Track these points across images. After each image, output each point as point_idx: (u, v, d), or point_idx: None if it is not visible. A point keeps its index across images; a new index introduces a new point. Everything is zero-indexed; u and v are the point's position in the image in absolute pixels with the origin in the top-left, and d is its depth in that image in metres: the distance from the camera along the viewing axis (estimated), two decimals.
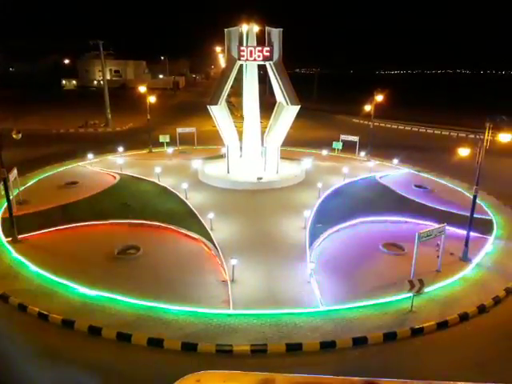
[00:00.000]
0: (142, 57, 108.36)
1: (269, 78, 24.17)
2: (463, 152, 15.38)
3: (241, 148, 24.18)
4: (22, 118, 43.88)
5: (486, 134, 14.56)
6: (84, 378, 9.64)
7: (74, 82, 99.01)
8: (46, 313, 11.77)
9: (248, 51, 21.68)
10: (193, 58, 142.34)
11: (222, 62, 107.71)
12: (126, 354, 10.59)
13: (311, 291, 12.94)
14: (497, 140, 15.18)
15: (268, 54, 21.70)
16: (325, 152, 30.15)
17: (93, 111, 48.94)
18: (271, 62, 22.12)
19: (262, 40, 22.81)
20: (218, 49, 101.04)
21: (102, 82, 79.74)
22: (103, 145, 33.05)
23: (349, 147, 30.72)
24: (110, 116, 43.83)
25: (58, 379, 9.62)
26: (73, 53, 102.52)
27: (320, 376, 2.43)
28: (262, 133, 24.58)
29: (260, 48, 21.79)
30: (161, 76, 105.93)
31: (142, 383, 9.56)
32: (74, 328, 11.35)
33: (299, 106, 22.73)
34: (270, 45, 22.02)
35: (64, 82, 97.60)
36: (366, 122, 44.09)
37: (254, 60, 22.00)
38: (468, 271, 14.54)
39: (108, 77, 45.27)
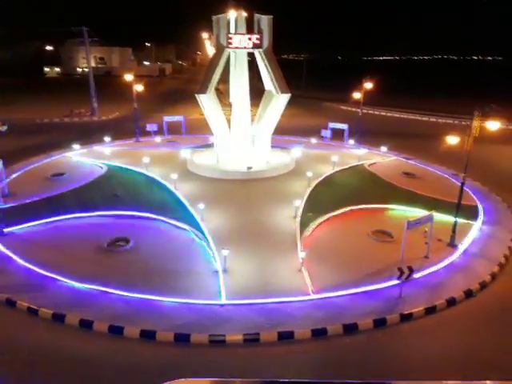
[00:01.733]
0: (127, 43, 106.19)
1: (256, 63, 23.88)
2: (452, 140, 15.51)
3: (230, 137, 23.99)
4: (3, 107, 42.81)
5: (474, 121, 14.61)
6: (77, 372, 9.62)
7: (57, 69, 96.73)
8: (35, 307, 11.66)
9: (237, 39, 21.34)
10: (179, 45, 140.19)
11: (208, 48, 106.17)
12: (118, 346, 10.58)
13: (302, 280, 13.05)
14: (484, 127, 15.28)
15: (258, 41, 21.41)
16: (314, 140, 30.12)
17: (78, 100, 47.99)
18: (261, 50, 21.85)
19: (251, 27, 22.49)
20: (205, 35, 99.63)
21: (86, 70, 78.04)
22: (89, 134, 32.54)
23: (337, 135, 30.75)
24: (95, 105, 43.03)
25: (50, 374, 9.58)
26: (55, 39, 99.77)
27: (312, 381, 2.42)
28: (252, 121, 24.40)
29: (249, 36, 21.47)
30: (147, 63, 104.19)
31: (136, 375, 9.57)
32: (65, 322, 11.27)
33: (289, 95, 22.58)
34: (260, 32, 21.72)
35: (46, 69, 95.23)
36: (354, 109, 44.13)
37: (244, 48, 21.70)
38: (455, 257, 14.81)
39: (93, 64, 44.18)
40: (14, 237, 15.71)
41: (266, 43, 21.96)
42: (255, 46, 21.62)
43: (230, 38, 21.37)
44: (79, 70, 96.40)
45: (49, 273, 13.15)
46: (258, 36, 21.50)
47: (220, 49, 22.19)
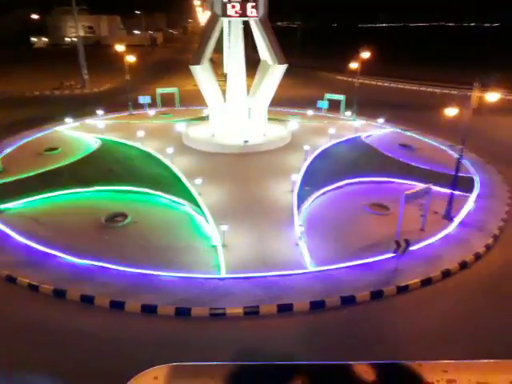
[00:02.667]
0: (115, 11, 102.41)
1: (250, 33, 23.18)
2: (451, 112, 15.35)
3: (225, 109, 23.59)
4: None
5: (474, 92, 14.43)
6: (81, 346, 9.81)
7: (45, 39, 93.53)
8: (36, 284, 11.74)
9: (232, 7, 20.59)
10: (170, 13, 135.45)
11: (200, 15, 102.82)
12: (120, 321, 10.75)
13: (300, 253, 13.20)
14: (483, 97, 15.09)
15: (253, 9, 20.68)
16: (310, 112, 29.74)
17: (67, 71, 46.67)
18: (256, 19, 21.16)
19: None
20: (197, 2, 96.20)
21: (74, 40, 75.48)
22: (81, 107, 31.81)
23: (334, 106, 30.35)
24: (86, 76, 41.91)
25: (53, 349, 9.76)
26: (41, 7, 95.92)
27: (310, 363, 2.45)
28: (248, 93, 23.93)
29: (245, 3, 20.71)
30: (137, 32, 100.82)
31: (139, 349, 9.77)
32: (66, 297, 11.39)
33: (286, 65, 22.07)
34: (255, 0, 20.94)
35: (34, 39, 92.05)
36: (350, 79, 43.34)
37: (239, 16, 20.98)
38: (450, 229, 15.00)
39: (81, 33, 42.69)
40: (10, 213, 15.62)
41: (261, 11, 21.23)
42: (251, 15, 20.90)
43: (225, 6, 20.61)
44: (67, 39, 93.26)
45: (48, 249, 13.17)
46: (253, 4, 20.75)
47: (214, 18, 21.43)
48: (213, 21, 21.54)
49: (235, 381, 2.28)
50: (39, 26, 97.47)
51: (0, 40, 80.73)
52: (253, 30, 22.39)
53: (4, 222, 14.83)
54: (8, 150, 22.12)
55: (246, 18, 21.58)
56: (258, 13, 20.89)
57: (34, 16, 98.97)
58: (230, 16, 20.95)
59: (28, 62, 62.91)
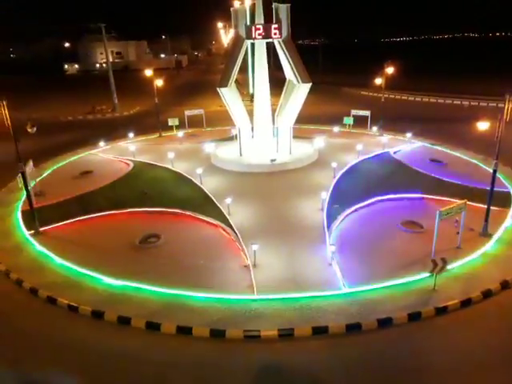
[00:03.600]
0: (142, 37, 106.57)
1: (273, 51, 23.63)
2: (482, 125, 15.05)
3: (252, 129, 23.93)
4: (27, 106, 43.80)
5: (506, 105, 14.11)
6: (119, 368, 9.96)
7: (77, 66, 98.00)
8: (75, 305, 12.07)
9: (256, 29, 21.11)
10: (194, 35, 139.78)
11: (223, 37, 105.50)
12: (156, 342, 10.86)
13: (333, 273, 13.05)
14: None
15: (276, 31, 21.13)
16: (336, 128, 29.74)
17: (98, 96, 48.66)
18: (280, 40, 21.58)
19: (269, 16, 22.21)
20: (220, 24, 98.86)
21: (104, 65, 78.69)
22: (113, 130, 33.03)
23: (360, 122, 30.27)
24: (116, 100, 43.54)
25: (93, 369, 9.95)
26: (72, 36, 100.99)
27: None
28: (273, 112, 24.25)
29: (268, 25, 21.20)
30: (163, 55, 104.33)
31: (176, 371, 9.83)
32: (104, 318, 11.65)
33: (311, 84, 22.29)
34: (278, 21, 21.42)
35: (66, 66, 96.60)
36: (375, 94, 43.27)
37: (263, 38, 21.46)
38: (489, 247, 14.50)
39: (110, 59, 44.65)
40: (49, 235, 16.22)
41: (285, 32, 21.65)
42: (274, 36, 21.34)
43: (250, 29, 21.15)
44: (97, 65, 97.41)
45: (85, 270, 13.55)
46: (276, 25, 21.21)
47: (239, 40, 22.01)
48: (237, 43, 22.10)
49: None
50: (71, 53, 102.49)
51: (35, 67, 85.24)
52: (277, 51, 22.81)
53: (43, 244, 15.40)
54: (45, 174, 23.09)
55: (269, 40, 22.05)
56: (281, 34, 21.31)
57: (66, 44, 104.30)
58: (254, 38, 21.46)
59: (61, 88, 66.05)
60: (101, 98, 46.64)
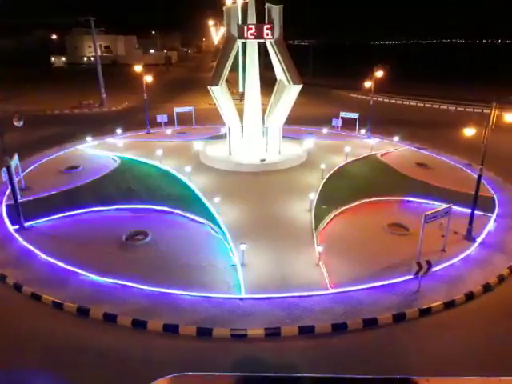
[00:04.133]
0: (132, 31, 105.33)
1: (264, 50, 23.64)
2: (469, 132, 15.37)
3: (242, 128, 23.93)
4: (13, 98, 42.95)
5: (493, 112, 14.45)
6: (104, 365, 9.88)
7: (64, 58, 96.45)
8: (60, 301, 11.92)
9: (248, 29, 21.10)
10: (184, 32, 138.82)
11: (213, 34, 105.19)
12: (142, 340, 10.81)
13: (320, 274, 13.17)
14: (500, 115, 15.08)
15: (269, 31, 21.16)
16: (325, 130, 29.92)
17: (85, 90, 47.92)
18: (272, 40, 21.62)
19: (261, 16, 22.22)
20: (211, 22, 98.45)
21: (92, 59, 77.57)
22: (100, 126, 32.61)
23: (349, 124, 30.54)
24: (104, 95, 42.98)
25: (77, 366, 9.85)
26: (60, 28, 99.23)
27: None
28: (263, 112, 24.29)
29: (261, 26, 21.22)
30: (152, 51, 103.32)
31: (163, 369, 9.80)
32: (90, 316, 11.53)
33: (301, 85, 22.39)
34: (271, 22, 21.46)
35: (53, 58, 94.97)
36: (364, 97, 43.73)
37: (255, 38, 21.47)
38: (472, 250, 14.82)
39: (99, 53, 43.91)
40: (34, 231, 15.96)
41: (277, 33, 21.70)
42: (267, 37, 21.37)
43: (242, 29, 21.14)
44: (85, 59, 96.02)
45: (71, 267, 13.39)
46: (268, 26, 21.24)
47: (231, 40, 21.97)
48: (229, 42, 22.05)
49: None
50: (58, 45, 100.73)
51: (21, 59, 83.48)
52: (269, 51, 22.85)
53: (28, 240, 15.15)
54: (30, 168, 22.70)
55: (261, 40, 22.08)
56: (273, 35, 21.35)
57: (54, 36, 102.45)
58: (246, 38, 21.45)
59: (48, 81, 64.83)
60: (88, 92, 45.95)
